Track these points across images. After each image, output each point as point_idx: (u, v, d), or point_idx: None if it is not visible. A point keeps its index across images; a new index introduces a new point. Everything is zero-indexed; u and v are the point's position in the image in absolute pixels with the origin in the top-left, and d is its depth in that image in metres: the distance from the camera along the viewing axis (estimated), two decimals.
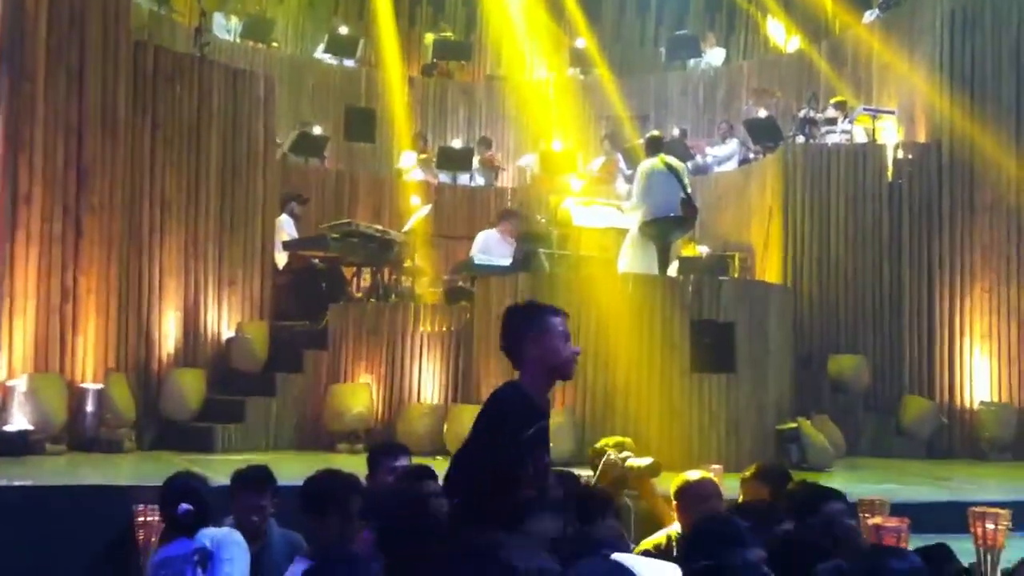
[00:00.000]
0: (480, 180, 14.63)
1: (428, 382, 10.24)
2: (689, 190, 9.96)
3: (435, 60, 16.32)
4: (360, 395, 10.03)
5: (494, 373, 8.93)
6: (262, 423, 9.80)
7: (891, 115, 12.41)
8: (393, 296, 11.30)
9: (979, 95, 11.48)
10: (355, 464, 5.09)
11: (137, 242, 9.52)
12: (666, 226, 9.89)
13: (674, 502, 4.45)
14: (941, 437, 11.23)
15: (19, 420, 8.27)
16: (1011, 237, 11.35)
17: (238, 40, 14.66)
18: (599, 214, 11.30)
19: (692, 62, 15.80)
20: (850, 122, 12.50)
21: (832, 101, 12.97)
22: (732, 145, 14.00)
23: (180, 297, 9.86)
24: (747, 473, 4.62)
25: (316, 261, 11.38)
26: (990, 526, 5.42)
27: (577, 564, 2.61)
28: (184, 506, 4.12)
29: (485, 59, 17.04)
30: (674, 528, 4.48)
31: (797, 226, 11.64)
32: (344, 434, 9.86)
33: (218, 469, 6.17)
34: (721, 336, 9.45)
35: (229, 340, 10.18)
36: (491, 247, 11.51)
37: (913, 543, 3.69)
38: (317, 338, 10.46)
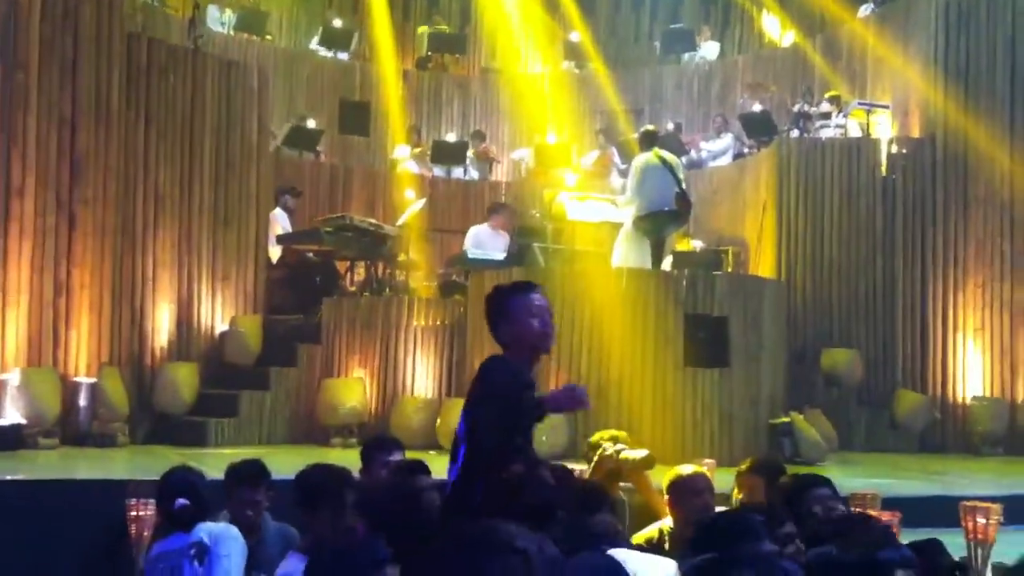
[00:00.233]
0: (474, 174, 14.63)
1: (422, 376, 10.24)
2: (683, 184, 9.97)
3: (429, 53, 16.30)
4: (354, 389, 10.03)
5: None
6: (256, 417, 9.80)
7: (885, 109, 12.42)
8: (387, 290, 11.30)
9: (973, 90, 11.51)
10: (349, 458, 5.09)
11: (130, 235, 9.50)
12: (660, 220, 9.90)
13: (666, 496, 4.46)
14: (934, 431, 11.27)
15: (12, 414, 8.27)
16: (1004, 231, 11.38)
17: (232, 33, 14.62)
18: (593, 208, 11.31)
19: (687, 56, 15.80)
20: (844, 116, 12.52)
21: (826, 95, 12.98)
22: (726, 139, 14.00)
23: (173, 291, 9.85)
24: (743, 467, 4.63)
25: (310, 255, 11.37)
26: (981, 520, 5.43)
27: (574, 558, 2.61)
28: (181, 501, 4.13)
29: (479, 53, 17.02)
30: (666, 522, 4.48)
31: (791, 220, 11.66)
32: (338, 428, 9.86)
33: (212, 463, 6.16)
34: (715, 330, 9.46)
35: (223, 334, 10.17)
36: (484, 241, 11.51)
37: (904, 537, 3.69)
38: (311, 332, 10.46)
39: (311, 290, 11.05)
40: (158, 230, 9.75)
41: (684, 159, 12.40)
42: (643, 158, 10.02)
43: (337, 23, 15.88)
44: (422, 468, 4.09)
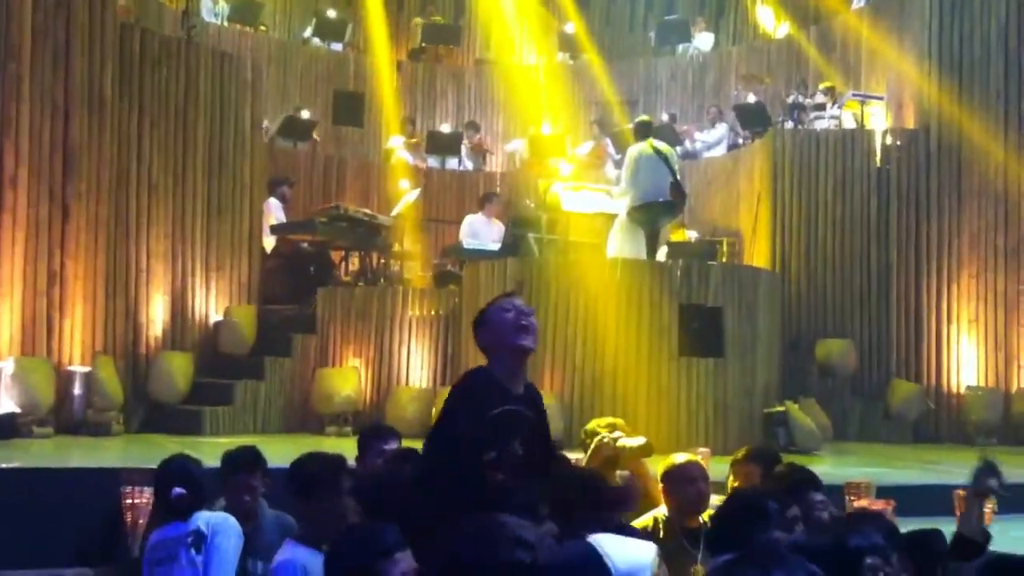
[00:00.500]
0: (468, 164, 14.62)
1: (416, 366, 10.24)
2: (678, 175, 9.96)
3: (424, 44, 16.28)
4: (348, 378, 10.03)
5: (482, 357, 8.92)
6: (250, 406, 9.80)
7: (879, 101, 12.44)
8: (381, 280, 11.30)
9: (967, 81, 11.52)
10: (344, 447, 5.09)
11: (124, 226, 9.47)
12: (655, 211, 9.90)
13: (660, 485, 4.47)
14: (928, 421, 11.30)
15: (6, 403, 8.25)
16: (998, 223, 11.40)
17: (225, 23, 14.59)
18: (588, 199, 11.30)
19: (681, 47, 15.80)
20: (839, 108, 12.53)
21: (821, 87, 12.99)
22: (721, 130, 14.01)
23: (168, 281, 9.83)
24: (739, 455, 4.64)
25: (304, 245, 11.36)
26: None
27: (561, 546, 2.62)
28: (178, 490, 4.13)
29: (474, 43, 17.00)
30: (661, 511, 4.49)
31: (785, 211, 11.67)
32: (332, 417, 9.87)
33: (207, 452, 6.13)
34: (709, 320, 9.48)
35: (217, 324, 10.16)
36: (479, 231, 11.52)
37: (899, 526, 3.70)
38: (305, 322, 10.45)
39: (305, 280, 11.04)
40: (152, 220, 9.71)
41: (679, 150, 12.41)
42: (637, 148, 10.01)
43: (331, 14, 15.86)
44: (416, 457, 4.09)
